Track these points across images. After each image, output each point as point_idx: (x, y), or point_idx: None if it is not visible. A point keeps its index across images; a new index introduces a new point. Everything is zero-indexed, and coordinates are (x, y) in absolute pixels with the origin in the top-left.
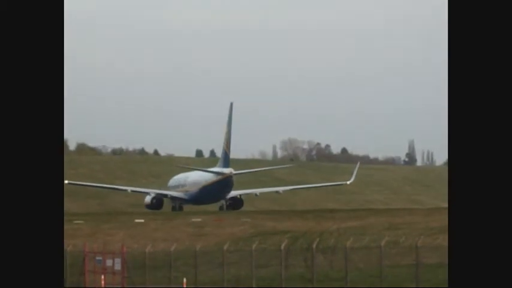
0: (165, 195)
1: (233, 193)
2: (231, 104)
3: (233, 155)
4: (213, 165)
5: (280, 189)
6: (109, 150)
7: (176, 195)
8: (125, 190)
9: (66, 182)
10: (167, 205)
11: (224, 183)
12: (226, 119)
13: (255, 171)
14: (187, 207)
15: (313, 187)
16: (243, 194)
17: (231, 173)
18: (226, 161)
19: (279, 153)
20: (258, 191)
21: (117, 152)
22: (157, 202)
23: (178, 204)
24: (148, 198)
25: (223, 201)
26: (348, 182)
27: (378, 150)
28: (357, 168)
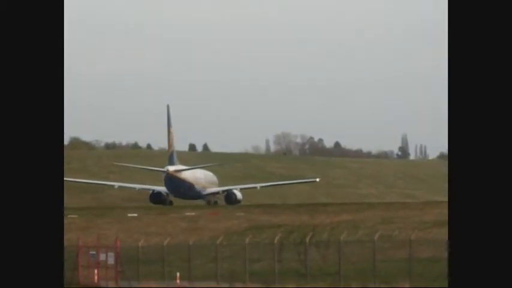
0: (153, 190)
1: (213, 189)
2: (168, 106)
3: (226, 149)
4: (205, 159)
5: (258, 185)
6: (102, 144)
7: (160, 190)
8: (112, 185)
9: None
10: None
11: (168, 180)
12: (219, 113)
13: (191, 168)
14: (180, 202)
15: (283, 184)
16: (223, 190)
17: (167, 170)
18: (171, 159)
19: (272, 147)
20: (237, 187)
21: (110, 146)
22: (154, 196)
23: (167, 198)
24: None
25: (211, 196)
26: (317, 179)
27: (371, 144)
28: (323, 167)
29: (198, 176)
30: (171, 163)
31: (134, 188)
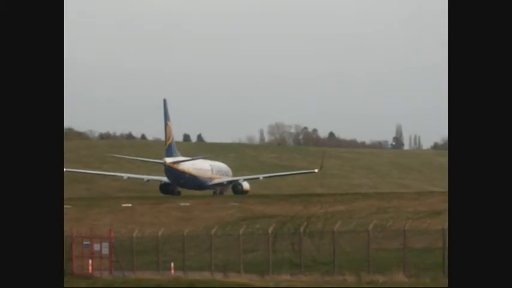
0: (162, 181)
1: (218, 180)
2: (165, 100)
3: (220, 139)
4: (199, 149)
5: (261, 176)
6: (96, 134)
7: (165, 180)
8: (121, 177)
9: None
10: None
11: (167, 171)
12: (213, 104)
13: (189, 160)
14: (189, 192)
15: (285, 175)
16: (229, 181)
17: (164, 161)
18: (168, 151)
19: (267, 138)
20: (242, 178)
21: (104, 137)
22: (163, 186)
23: (175, 188)
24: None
25: (217, 187)
26: (316, 170)
27: (365, 134)
28: (323, 157)
29: (201, 167)
30: (169, 155)
31: (142, 179)
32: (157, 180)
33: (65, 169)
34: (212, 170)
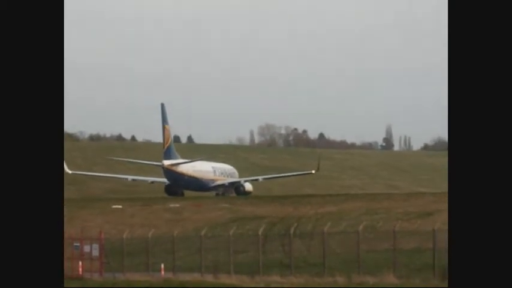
0: (165, 182)
1: (220, 182)
2: (162, 104)
3: (210, 140)
4: (190, 151)
5: (261, 177)
6: (86, 136)
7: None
8: (125, 178)
9: (70, 172)
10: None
11: (166, 173)
12: (203, 105)
13: (186, 162)
14: (192, 194)
15: (283, 176)
16: (231, 182)
17: (163, 164)
18: (167, 154)
19: (257, 139)
20: (242, 179)
21: (94, 138)
22: (168, 187)
23: (179, 190)
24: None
25: (219, 189)
26: (313, 171)
27: (355, 135)
28: (319, 158)
29: (202, 169)
30: (168, 157)
31: (147, 181)
32: (161, 182)
33: (70, 171)
34: (215, 171)
